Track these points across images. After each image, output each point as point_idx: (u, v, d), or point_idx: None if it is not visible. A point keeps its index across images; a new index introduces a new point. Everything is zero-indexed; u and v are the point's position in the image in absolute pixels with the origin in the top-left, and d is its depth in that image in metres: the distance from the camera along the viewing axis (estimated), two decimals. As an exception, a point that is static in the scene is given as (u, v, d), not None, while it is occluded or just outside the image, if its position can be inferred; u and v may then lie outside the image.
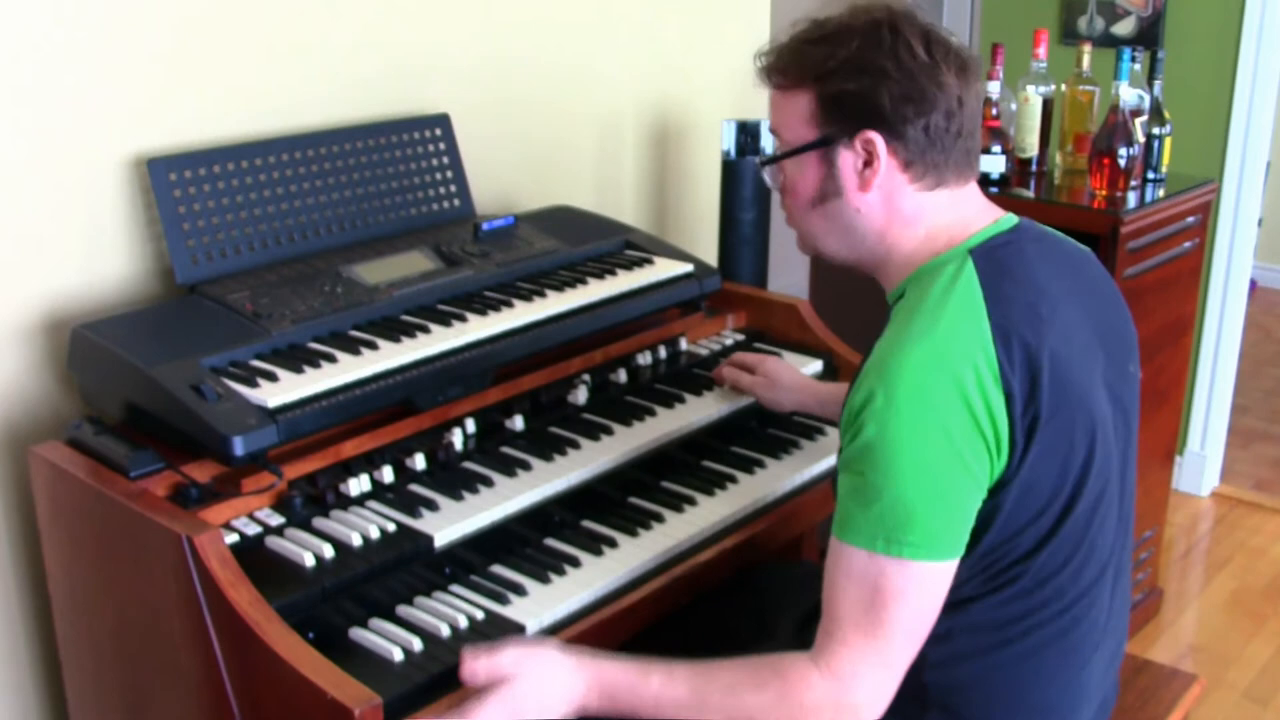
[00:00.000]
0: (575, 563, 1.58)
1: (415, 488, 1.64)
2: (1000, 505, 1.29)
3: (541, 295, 1.90)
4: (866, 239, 1.41)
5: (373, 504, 1.59)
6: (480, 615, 1.47)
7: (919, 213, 1.38)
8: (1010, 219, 1.42)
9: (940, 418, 1.24)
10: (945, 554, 1.27)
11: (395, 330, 1.73)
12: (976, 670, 1.36)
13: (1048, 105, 2.82)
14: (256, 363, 1.63)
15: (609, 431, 1.81)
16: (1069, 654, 1.37)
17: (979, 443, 1.25)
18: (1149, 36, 3.57)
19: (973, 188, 1.42)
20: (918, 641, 1.30)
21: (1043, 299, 1.33)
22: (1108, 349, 1.41)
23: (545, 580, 1.54)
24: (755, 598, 1.79)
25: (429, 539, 1.53)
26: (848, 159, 1.38)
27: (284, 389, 1.56)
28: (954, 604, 1.33)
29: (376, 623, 1.45)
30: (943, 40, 1.36)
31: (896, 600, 1.26)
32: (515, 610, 1.49)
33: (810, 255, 1.52)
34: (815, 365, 2.09)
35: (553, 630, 1.47)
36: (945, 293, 1.31)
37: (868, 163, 1.37)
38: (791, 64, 1.40)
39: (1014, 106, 2.83)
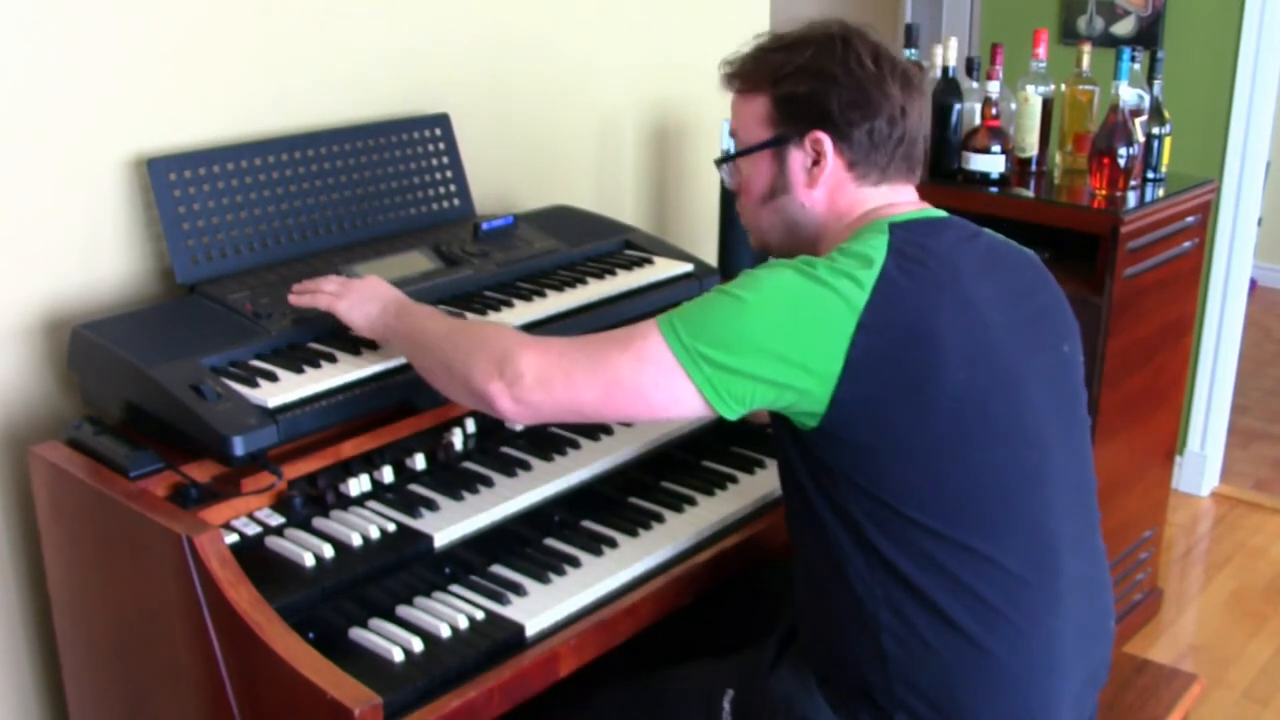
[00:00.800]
0: (575, 563, 1.58)
1: (415, 488, 1.64)
2: (846, 433, 1.34)
3: (541, 295, 1.90)
4: (806, 230, 1.53)
5: (373, 504, 1.59)
6: (480, 615, 1.47)
7: (854, 205, 1.50)
8: (942, 212, 1.51)
9: (798, 296, 1.34)
10: (701, 382, 1.35)
11: (395, 330, 1.73)
12: (925, 640, 1.37)
13: (1047, 105, 2.82)
14: (256, 363, 1.63)
15: (609, 431, 1.81)
16: (1022, 621, 1.38)
17: (810, 343, 1.33)
18: (1149, 36, 3.58)
19: (910, 190, 1.53)
20: (603, 402, 1.40)
21: (945, 268, 1.41)
22: (1034, 327, 1.47)
23: (545, 580, 1.55)
24: (755, 598, 1.79)
25: (429, 539, 1.53)
26: (798, 158, 1.50)
27: (284, 389, 1.56)
28: (883, 563, 1.36)
29: (376, 623, 1.45)
30: (890, 55, 1.50)
31: (629, 356, 1.38)
32: (515, 610, 1.49)
33: (759, 250, 1.63)
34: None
35: (553, 630, 1.47)
36: (856, 243, 1.41)
37: (816, 161, 1.49)
38: (751, 70, 1.54)
39: (1014, 106, 2.83)
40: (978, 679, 1.38)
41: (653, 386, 1.37)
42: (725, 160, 1.60)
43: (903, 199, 1.52)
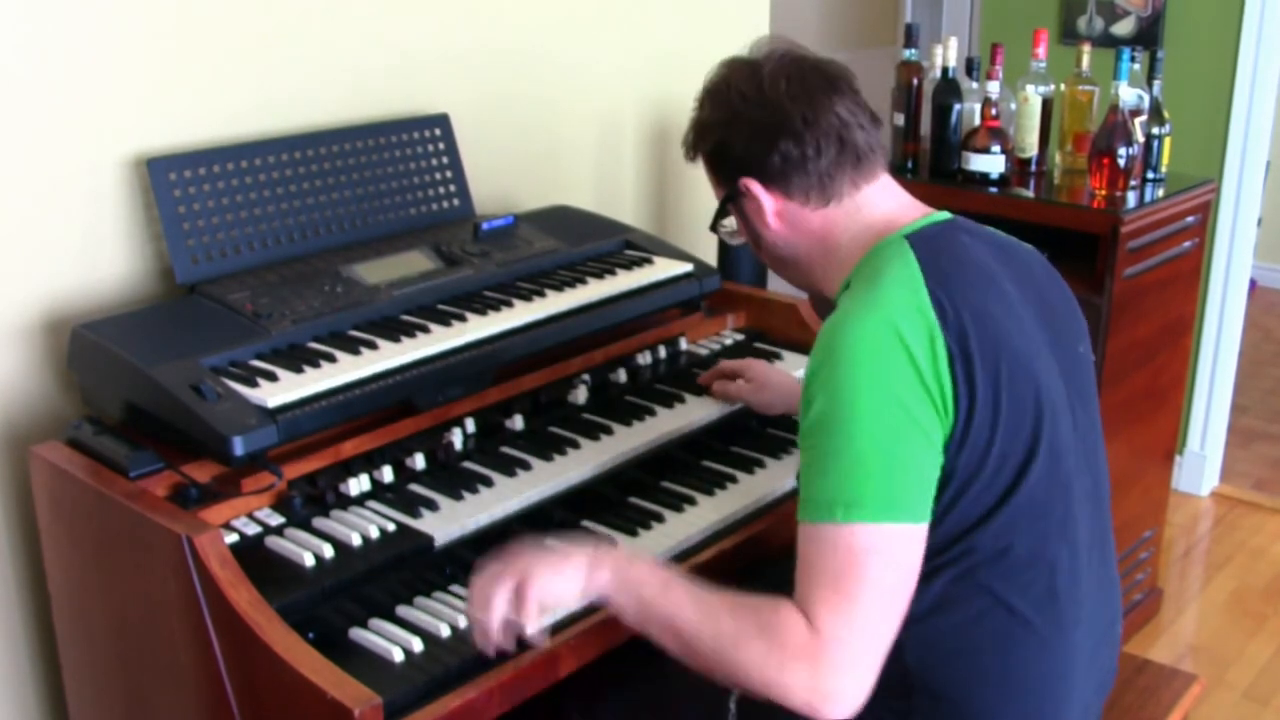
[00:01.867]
0: (575, 563, 1.58)
1: (415, 488, 1.64)
2: (956, 468, 1.30)
3: (541, 295, 1.90)
4: (799, 263, 1.52)
5: (373, 504, 1.59)
6: (480, 615, 1.47)
7: (829, 227, 1.47)
8: (944, 214, 1.48)
9: (887, 379, 1.27)
10: (906, 516, 1.27)
11: (395, 330, 1.73)
12: (954, 649, 1.37)
13: (1047, 105, 2.82)
14: (256, 363, 1.63)
15: (609, 431, 1.81)
16: (1047, 631, 1.38)
17: (926, 401, 1.28)
18: (1149, 36, 3.58)
19: (884, 185, 1.48)
20: (894, 610, 1.28)
21: (978, 271, 1.39)
22: (1051, 327, 1.45)
23: (545, 580, 1.54)
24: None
25: (429, 539, 1.53)
26: (748, 205, 1.49)
27: (284, 389, 1.56)
28: (922, 577, 1.33)
29: (376, 623, 1.45)
30: (776, 70, 1.44)
31: (862, 565, 1.25)
32: (515, 610, 1.48)
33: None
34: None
35: (553, 631, 1.47)
36: (883, 269, 1.37)
37: (758, 205, 1.47)
38: (687, 139, 1.55)
39: (1013, 106, 2.83)
40: (997, 689, 1.38)
41: (884, 556, 1.26)
42: (713, 225, 1.60)
43: (887, 205, 1.46)
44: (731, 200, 1.51)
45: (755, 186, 1.46)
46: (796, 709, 1.26)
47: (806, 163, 1.43)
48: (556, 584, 1.37)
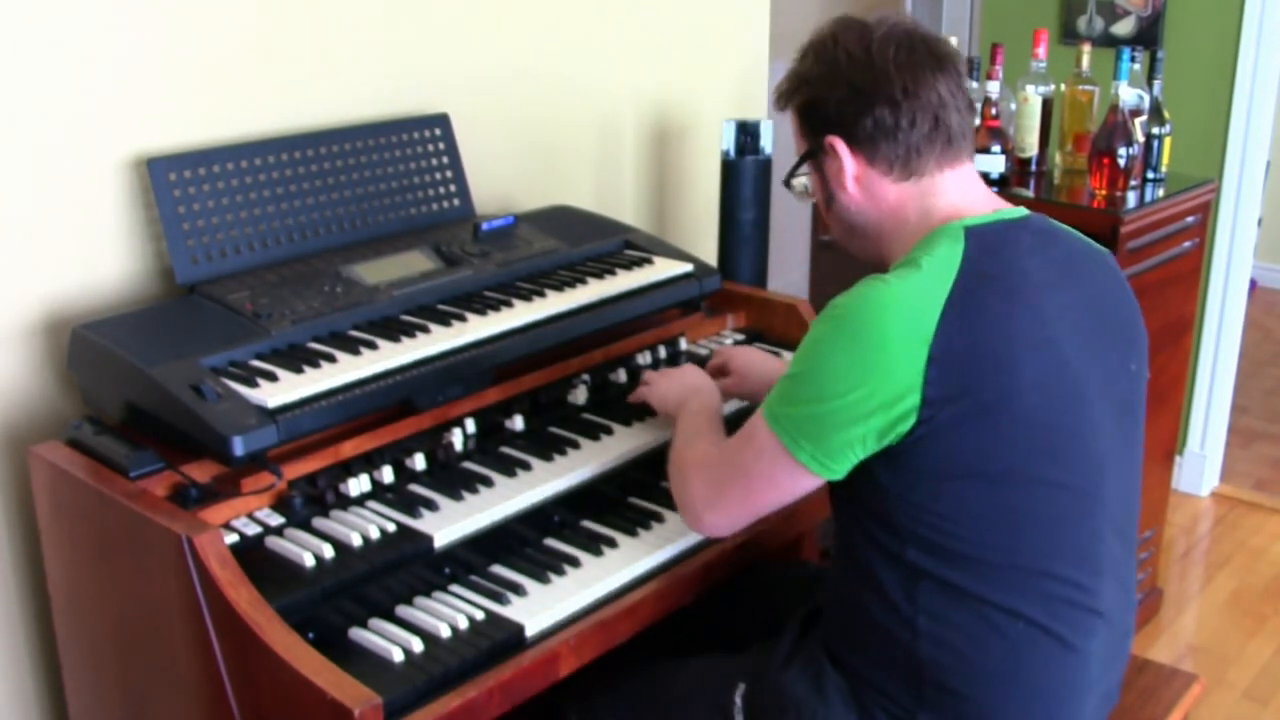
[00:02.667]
0: (575, 563, 1.58)
1: (415, 488, 1.64)
2: (919, 459, 1.33)
3: (541, 295, 1.90)
4: (868, 233, 1.51)
5: (373, 504, 1.59)
6: (480, 615, 1.47)
7: (904, 202, 1.46)
8: (1020, 211, 1.46)
9: (856, 358, 1.33)
10: (812, 463, 1.38)
11: (395, 330, 1.73)
12: (969, 648, 1.37)
13: (1047, 105, 2.82)
14: (256, 363, 1.63)
15: (609, 431, 1.81)
16: (1063, 638, 1.38)
17: (877, 398, 1.31)
18: (1149, 36, 3.58)
19: (964, 175, 1.47)
20: (752, 502, 1.49)
21: (1024, 283, 1.37)
22: (1105, 342, 1.43)
23: (545, 580, 1.54)
24: (756, 598, 1.79)
25: (429, 539, 1.53)
26: (829, 165, 1.49)
27: (284, 389, 1.56)
28: (914, 571, 1.36)
29: (376, 623, 1.45)
30: (886, 35, 1.43)
31: (754, 456, 1.44)
32: (515, 610, 1.49)
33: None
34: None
35: (553, 630, 1.47)
36: (928, 254, 1.37)
37: (840, 166, 1.47)
38: (782, 87, 1.54)
39: (1013, 106, 2.83)
40: (1008, 692, 1.38)
41: (770, 474, 1.44)
42: (788, 179, 1.59)
43: (963, 193, 1.46)
44: (813, 156, 1.51)
45: (841, 147, 1.45)
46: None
47: (898, 133, 1.42)
48: (659, 405, 1.79)
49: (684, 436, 1.64)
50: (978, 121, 2.77)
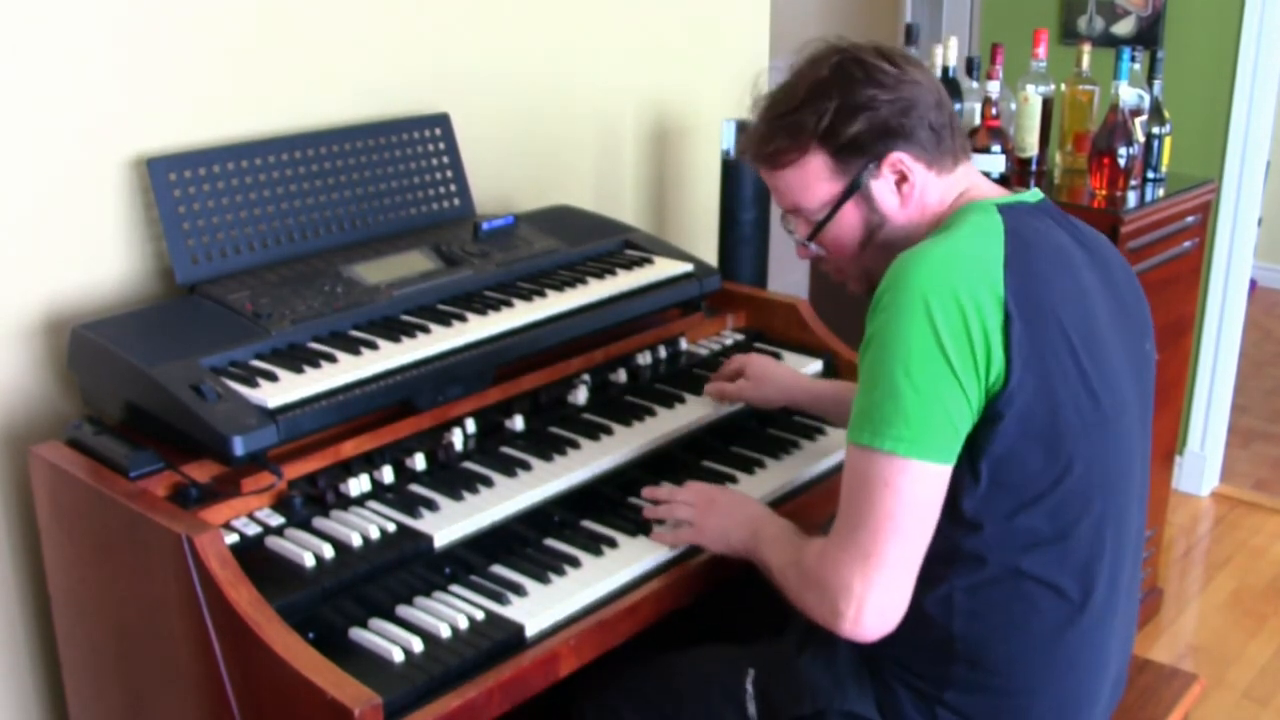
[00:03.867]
0: (575, 563, 1.58)
1: (415, 488, 1.64)
2: (1001, 431, 1.32)
3: (541, 295, 1.90)
4: (911, 240, 1.47)
5: (373, 504, 1.59)
6: (480, 615, 1.47)
7: (943, 198, 1.49)
8: (1036, 194, 1.49)
9: (934, 323, 1.29)
10: (930, 454, 1.31)
11: (395, 330, 1.73)
12: (1005, 625, 1.38)
13: (1047, 105, 2.82)
14: (256, 363, 1.63)
15: (609, 431, 1.81)
16: (1093, 616, 1.40)
17: (968, 356, 1.30)
18: (1149, 36, 3.58)
19: (972, 166, 1.52)
20: (908, 541, 1.33)
21: (1057, 251, 1.40)
22: (1124, 322, 1.46)
23: (545, 580, 1.54)
24: (756, 598, 1.79)
25: (429, 539, 1.53)
26: (881, 187, 1.47)
27: (284, 389, 1.56)
28: (977, 550, 1.36)
29: (376, 623, 1.45)
30: (885, 49, 1.48)
31: (879, 492, 1.32)
32: (515, 610, 1.48)
33: (863, 293, 1.56)
34: (815, 365, 2.09)
35: (553, 630, 1.47)
36: (969, 224, 1.39)
37: (902, 179, 1.46)
38: (788, 140, 1.48)
39: (1014, 106, 2.83)
40: (1040, 667, 1.40)
41: (904, 488, 1.32)
42: (814, 235, 1.53)
43: (982, 181, 1.51)
44: (859, 185, 1.47)
45: (907, 159, 1.45)
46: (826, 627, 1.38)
47: (944, 128, 1.47)
48: (715, 545, 1.59)
49: (788, 554, 1.47)
50: (978, 121, 2.77)
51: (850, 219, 1.50)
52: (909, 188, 1.47)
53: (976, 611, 1.38)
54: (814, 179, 1.49)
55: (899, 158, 1.45)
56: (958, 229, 1.39)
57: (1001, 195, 1.48)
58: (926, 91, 1.46)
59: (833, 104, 1.45)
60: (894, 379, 1.31)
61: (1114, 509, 1.41)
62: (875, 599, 1.33)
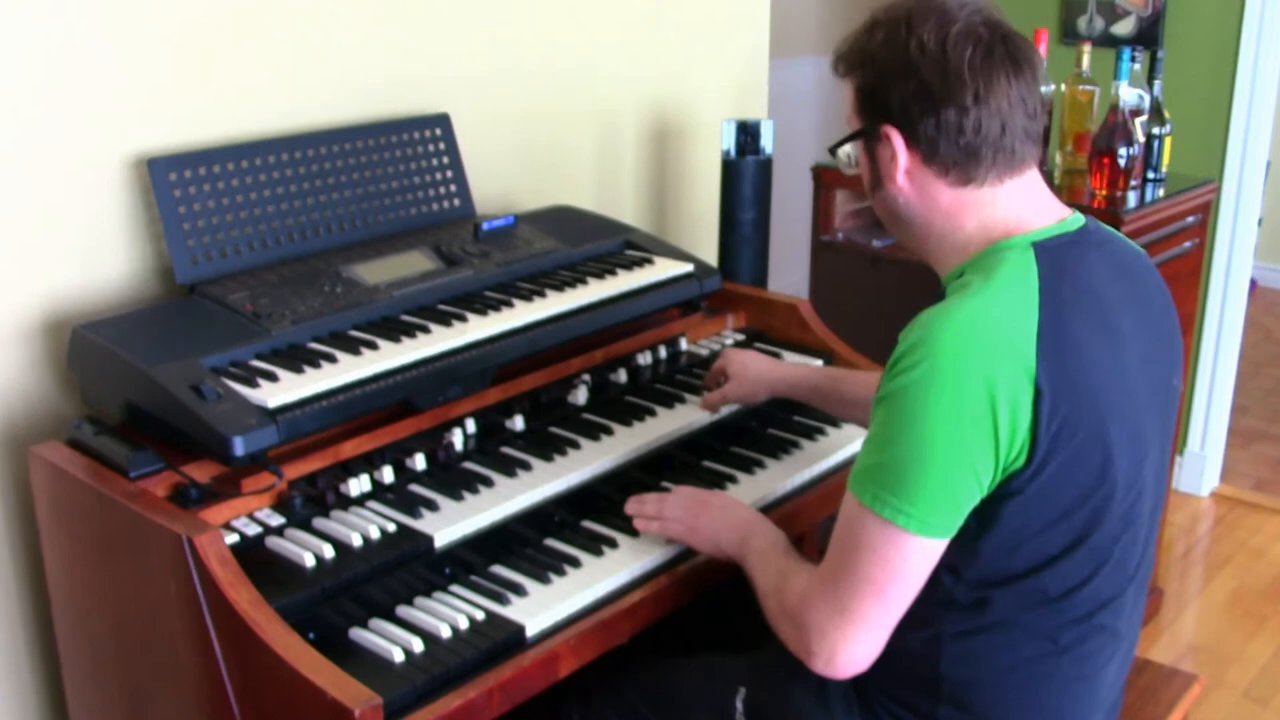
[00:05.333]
0: (575, 563, 1.58)
1: (415, 488, 1.64)
2: (1012, 507, 1.28)
3: (541, 295, 1.90)
4: (914, 227, 1.42)
5: (373, 504, 1.59)
6: (480, 615, 1.47)
7: (959, 207, 1.38)
8: (1077, 219, 1.40)
9: (959, 406, 1.24)
10: (928, 531, 1.27)
11: (395, 330, 1.73)
12: (992, 670, 1.36)
13: (1047, 105, 2.82)
14: (256, 363, 1.63)
15: (609, 431, 1.81)
16: (1085, 662, 1.38)
17: (989, 442, 1.24)
18: (1149, 36, 3.57)
19: (1028, 183, 1.39)
20: (888, 605, 1.31)
21: (1100, 307, 1.32)
22: (1155, 358, 1.40)
23: (545, 580, 1.54)
24: (753, 598, 1.79)
25: (429, 539, 1.53)
26: (882, 151, 1.40)
27: (284, 389, 1.56)
28: (977, 602, 1.33)
29: (376, 623, 1.45)
30: (966, 33, 1.32)
31: (867, 555, 1.30)
32: (515, 610, 1.48)
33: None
34: (815, 366, 2.09)
35: (553, 630, 1.47)
36: (1004, 278, 1.30)
37: (892, 156, 1.38)
38: (843, 52, 1.43)
39: (1014, 106, 2.82)
40: (1028, 712, 1.38)
41: (892, 557, 1.29)
42: (835, 147, 1.48)
43: (1023, 203, 1.37)
44: (865, 136, 1.41)
45: (897, 140, 1.36)
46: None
47: (960, 138, 1.33)
48: (705, 547, 1.58)
49: (771, 580, 1.46)
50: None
51: (863, 159, 1.44)
52: (895, 167, 1.37)
53: (964, 656, 1.36)
54: (849, 103, 1.44)
55: (890, 133, 1.36)
56: (987, 283, 1.29)
57: (1041, 226, 1.36)
58: (959, 92, 1.31)
59: (871, 48, 1.37)
60: (905, 452, 1.26)
61: (1123, 555, 1.37)
62: (847, 650, 1.33)
